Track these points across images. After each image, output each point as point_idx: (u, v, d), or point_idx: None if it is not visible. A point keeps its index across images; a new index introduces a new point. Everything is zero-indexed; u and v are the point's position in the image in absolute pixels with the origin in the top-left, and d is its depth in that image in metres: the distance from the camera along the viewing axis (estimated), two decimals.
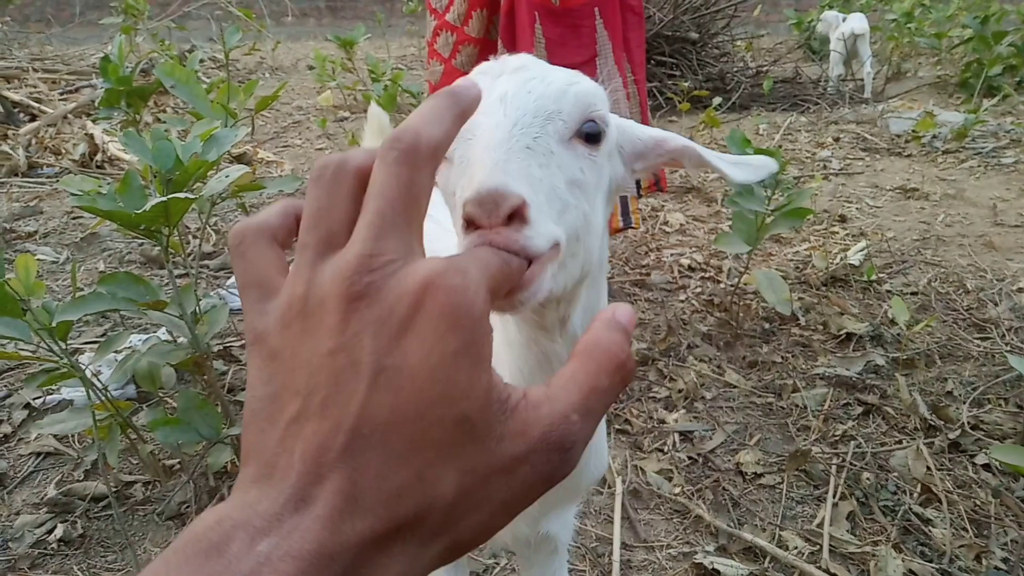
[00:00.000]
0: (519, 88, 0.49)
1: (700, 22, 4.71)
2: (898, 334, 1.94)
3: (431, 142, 0.31)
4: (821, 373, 1.82)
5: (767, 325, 2.04)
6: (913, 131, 3.79)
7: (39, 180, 3.27)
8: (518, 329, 0.58)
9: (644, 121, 1.93)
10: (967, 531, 1.34)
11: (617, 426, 1.66)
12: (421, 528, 0.27)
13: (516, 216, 0.39)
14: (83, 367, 1.35)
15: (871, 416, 1.68)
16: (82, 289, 2.18)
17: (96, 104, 3.88)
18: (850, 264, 2.33)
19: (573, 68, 1.73)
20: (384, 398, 0.26)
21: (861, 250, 2.41)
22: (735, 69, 4.83)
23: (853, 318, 2.04)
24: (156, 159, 1.24)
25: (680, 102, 3.96)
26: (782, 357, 1.90)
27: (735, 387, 1.79)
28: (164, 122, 2.06)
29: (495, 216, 0.38)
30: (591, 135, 0.51)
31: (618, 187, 0.58)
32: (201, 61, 5.03)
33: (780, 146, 3.75)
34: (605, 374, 0.30)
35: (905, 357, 1.85)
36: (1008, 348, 1.88)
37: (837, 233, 2.66)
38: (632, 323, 0.33)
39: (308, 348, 0.28)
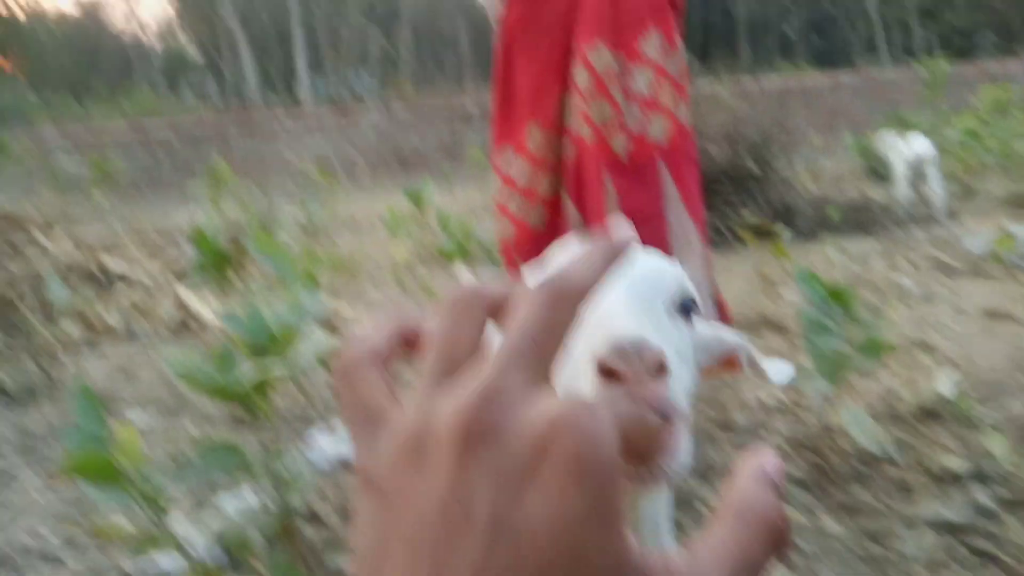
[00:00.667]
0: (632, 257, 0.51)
1: (759, 156, 4.81)
2: (1005, 471, 1.83)
3: (581, 285, 0.30)
4: (923, 516, 1.72)
5: (860, 466, 1.96)
6: (992, 250, 3.71)
7: (132, 344, 3.46)
8: None
9: (708, 264, 1.95)
10: None
11: None
12: None
13: (661, 371, 0.36)
14: (174, 532, 1.39)
15: (984, 564, 1.56)
16: (175, 451, 2.26)
17: (187, 269, 4.16)
18: (941, 395, 2.24)
19: (643, 217, 1.81)
20: (502, 559, 0.24)
21: (951, 380, 2.32)
22: (799, 199, 4.87)
23: (951, 454, 1.94)
24: (250, 333, 1.32)
25: (745, 235, 4.00)
26: (879, 500, 1.81)
27: (831, 535, 1.70)
28: (246, 283, 2.19)
29: (639, 368, 0.35)
30: (688, 311, 0.52)
31: (690, 386, 0.58)
32: (284, 220, 5.36)
33: (854, 273, 3.71)
34: (759, 543, 0.26)
35: (1015, 496, 1.73)
36: None
37: (923, 363, 2.57)
38: (783, 477, 0.29)
39: (419, 492, 0.26)
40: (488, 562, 0.23)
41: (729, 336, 0.63)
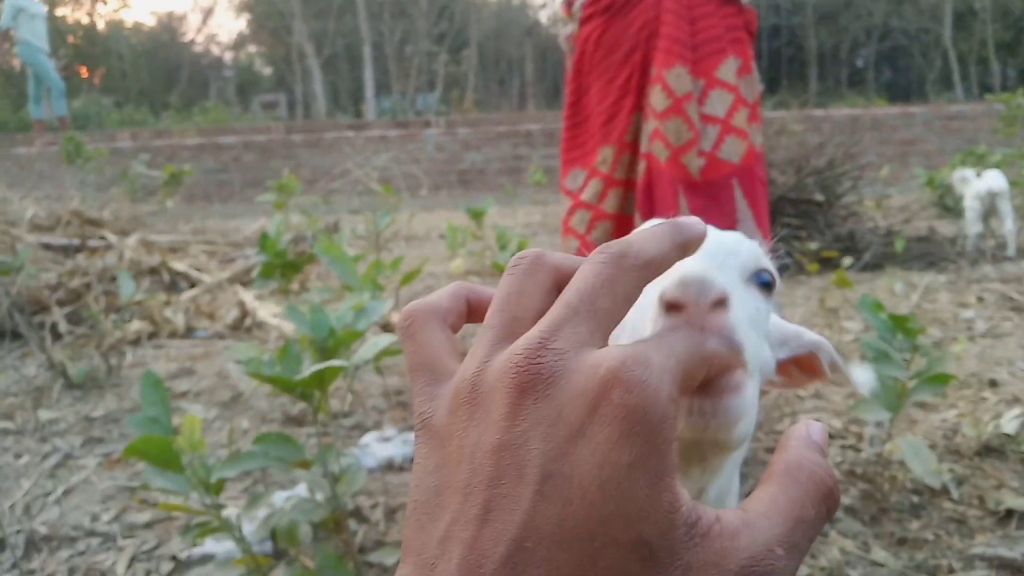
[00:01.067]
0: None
1: (825, 184, 4.74)
2: None
3: (643, 254, 0.30)
4: (980, 553, 1.66)
5: (916, 498, 1.91)
6: None
7: (194, 342, 3.58)
8: None
9: None
10: None
11: None
12: None
13: (722, 305, 0.36)
14: (228, 520, 1.44)
15: None
16: (233, 444, 2.33)
17: (251, 274, 4.29)
18: (1005, 433, 2.16)
19: None
20: (551, 510, 0.24)
21: (1016, 417, 2.24)
22: (865, 229, 4.77)
23: (1013, 492, 1.88)
24: (313, 329, 1.37)
25: (808, 263, 3.94)
26: (934, 534, 1.76)
27: (883, 566, 1.66)
28: (309, 290, 2.26)
29: (703, 300, 0.35)
30: (766, 284, 0.51)
31: (766, 370, 0.56)
32: (349, 229, 5.49)
33: (919, 306, 3.62)
34: (812, 502, 0.26)
35: None
36: None
37: (988, 399, 2.49)
38: (827, 443, 0.30)
39: (473, 440, 0.26)
40: (537, 510, 0.24)
41: (809, 333, 0.61)
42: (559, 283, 0.31)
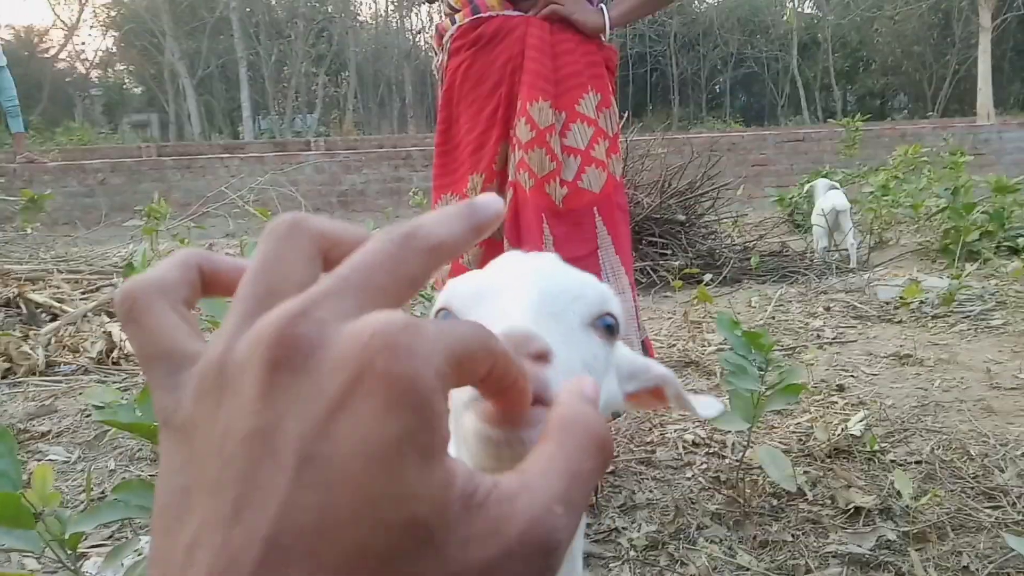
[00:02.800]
0: (549, 267, 0.53)
1: (686, 204, 5.00)
2: (906, 506, 1.93)
3: (433, 236, 0.27)
4: (833, 551, 1.79)
5: (775, 501, 2.04)
6: (901, 298, 3.92)
7: (55, 379, 3.35)
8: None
9: (636, 308, 2.04)
10: None
11: None
12: None
13: (541, 359, 0.37)
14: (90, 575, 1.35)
15: None
16: (94, 489, 2.20)
17: None
18: (852, 435, 2.35)
19: (577, 260, 1.91)
20: (311, 498, 0.21)
21: (861, 420, 2.43)
22: (723, 246, 5.06)
23: (860, 491, 2.04)
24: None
25: (673, 280, 4.13)
26: (792, 535, 1.88)
27: (748, 569, 1.76)
28: None
29: (521, 351, 0.36)
30: (609, 328, 0.53)
31: (612, 405, 0.60)
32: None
33: (773, 317, 3.87)
34: (587, 455, 0.25)
35: (916, 531, 1.83)
36: (1020, 517, 1.87)
37: (836, 403, 2.69)
38: (599, 397, 0.29)
39: (222, 429, 0.23)
40: (294, 501, 0.21)
41: (657, 367, 0.65)
42: (324, 251, 0.28)
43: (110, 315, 4.02)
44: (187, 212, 7.37)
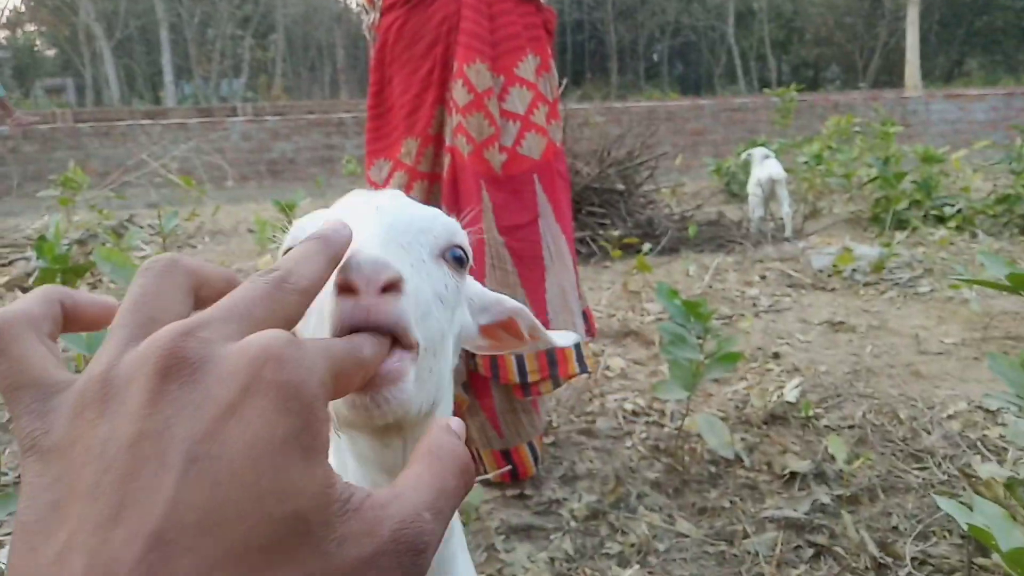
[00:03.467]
0: (395, 203, 0.53)
1: (625, 174, 4.99)
2: (839, 470, 1.97)
3: (302, 280, 0.29)
4: (770, 516, 1.82)
5: (713, 468, 2.06)
6: (834, 266, 4.00)
7: None
8: (353, 470, 0.54)
9: (576, 275, 2.01)
10: None
11: None
12: None
13: (392, 288, 0.37)
14: None
15: (822, 557, 1.67)
16: (6, 475, 2.08)
17: (31, 279, 3.86)
18: (787, 401, 2.38)
19: (518, 228, 1.86)
20: (197, 495, 0.22)
21: (796, 386, 2.48)
22: (662, 215, 5.08)
23: (795, 456, 2.07)
24: (90, 348, 1.24)
25: (612, 249, 4.13)
26: (730, 501, 1.90)
27: (687, 536, 1.77)
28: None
29: (372, 283, 0.36)
30: (458, 259, 0.53)
31: (465, 336, 0.60)
32: (140, 227, 5.09)
33: (710, 286, 3.91)
34: (452, 475, 0.28)
35: (849, 494, 1.87)
36: (945, 477, 1.92)
37: (772, 370, 2.74)
38: (463, 432, 0.32)
39: (104, 436, 0.23)
40: (180, 499, 0.22)
41: (509, 301, 0.66)
42: (197, 288, 0.30)
43: (24, 291, 3.82)
44: (106, 181, 7.06)
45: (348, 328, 0.36)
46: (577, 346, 2.00)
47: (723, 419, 2.23)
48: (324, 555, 0.23)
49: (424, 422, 0.50)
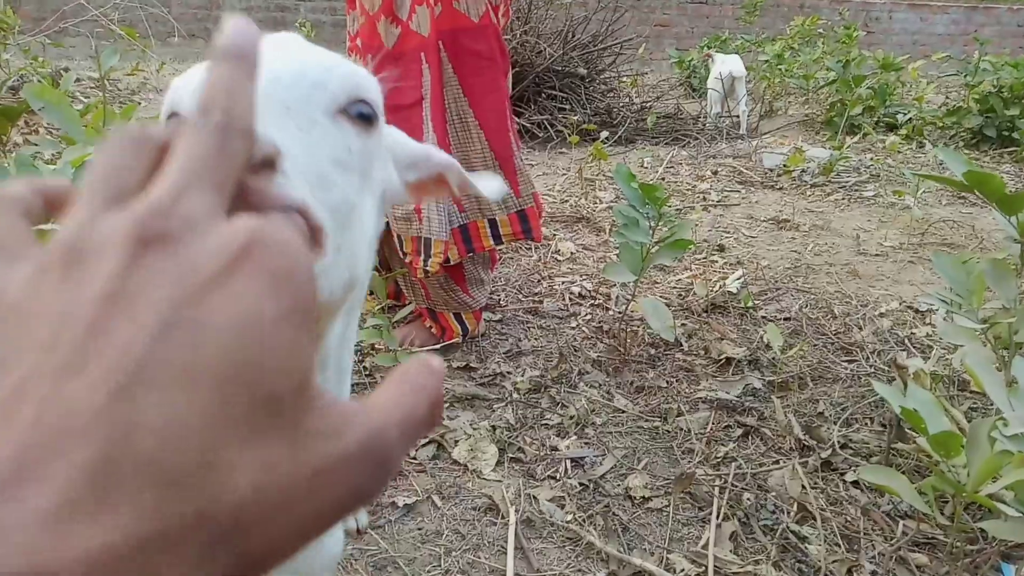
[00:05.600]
0: (282, 53, 0.45)
1: (588, 58, 4.87)
2: (773, 358, 2.05)
3: (240, 118, 0.27)
4: (703, 397, 1.89)
5: (653, 351, 2.11)
6: (784, 166, 4.03)
7: None
8: None
9: (509, 162, 1.97)
10: (839, 546, 1.42)
11: (511, 454, 1.66)
12: (201, 532, 0.20)
13: (266, 166, 0.32)
14: None
15: (750, 437, 1.75)
16: None
17: None
18: (728, 292, 2.44)
19: (403, 109, 1.79)
20: (174, 355, 0.20)
21: (738, 278, 2.54)
22: (621, 104, 5.01)
23: (732, 343, 2.14)
24: None
25: (569, 135, 4.08)
26: (667, 382, 1.96)
27: (623, 412, 1.83)
28: (35, 144, 1.95)
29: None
30: (364, 116, 0.47)
31: (391, 196, 0.56)
32: (78, 80, 4.80)
33: (663, 178, 3.91)
34: (424, 405, 0.27)
35: (780, 380, 1.95)
36: (872, 370, 2.02)
37: (716, 262, 2.79)
38: (443, 371, 0.31)
39: (67, 296, 0.21)
40: (155, 355, 0.20)
41: (439, 155, 0.62)
42: (161, 159, 0.27)
43: None
44: (41, 27, 6.58)
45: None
46: (522, 213, 2.00)
47: (666, 306, 2.28)
48: (291, 444, 0.22)
49: (339, 307, 0.46)
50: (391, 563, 1.34)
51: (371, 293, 2.00)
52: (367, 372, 1.93)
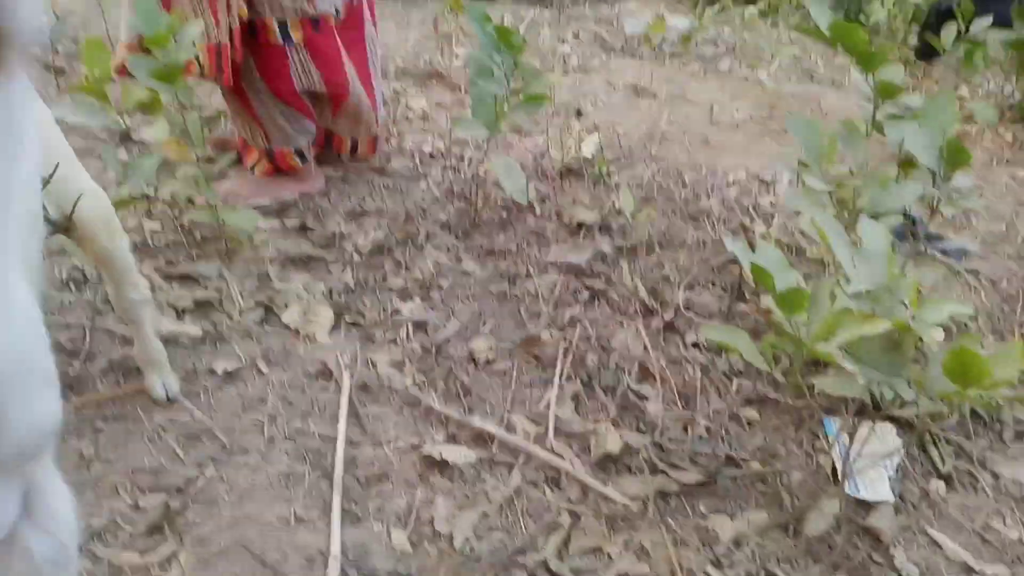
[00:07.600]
0: None
1: None
2: (624, 224, 2.02)
3: None
4: (553, 260, 1.84)
5: (505, 214, 2.03)
6: (645, 34, 3.95)
7: None
8: None
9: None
10: (677, 404, 1.43)
11: (349, 319, 1.56)
12: None
13: None
14: None
15: (597, 300, 1.73)
16: None
17: None
18: (584, 157, 2.38)
19: None
20: None
21: (595, 143, 2.47)
22: None
23: (584, 208, 2.09)
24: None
25: None
26: (517, 246, 1.90)
27: (471, 275, 1.75)
28: None
29: None
30: None
31: None
32: None
33: (525, 40, 3.73)
34: None
35: (629, 245, 1.93)
36: (717, 237, 2.03)
37: (573, 127, 2.70)
38: None
39: None
40: None
41: None
42: None
43: None
44: None
45: None
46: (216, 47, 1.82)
47: (521, 168, 2.19)
48: None
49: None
50: (205, 432, 1.22)
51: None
52: (187, 229, 1.73)
